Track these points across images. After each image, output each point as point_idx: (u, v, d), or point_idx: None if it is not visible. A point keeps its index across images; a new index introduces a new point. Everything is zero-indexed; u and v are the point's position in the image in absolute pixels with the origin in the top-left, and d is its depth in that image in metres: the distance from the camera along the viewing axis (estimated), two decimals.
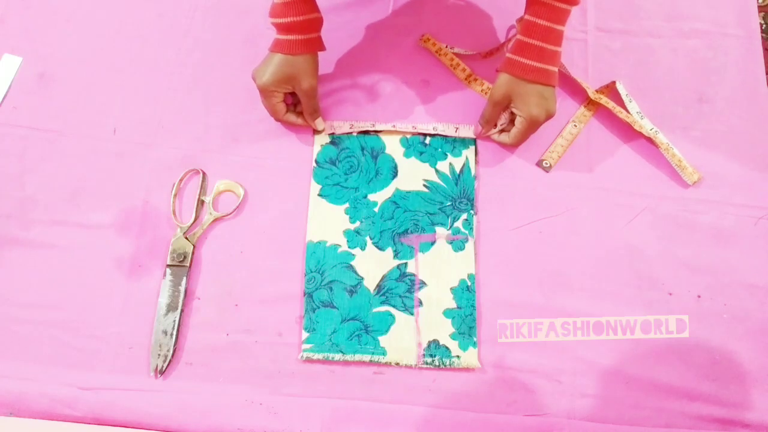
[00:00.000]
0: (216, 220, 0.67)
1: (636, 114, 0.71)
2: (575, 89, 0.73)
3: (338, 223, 0.67)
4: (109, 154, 0.70)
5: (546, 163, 0.70)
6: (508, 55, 0.64)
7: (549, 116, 0.65)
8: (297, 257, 0.66)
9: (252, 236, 0.67)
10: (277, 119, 0.70)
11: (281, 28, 0.63)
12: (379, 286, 0.65)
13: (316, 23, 0.65)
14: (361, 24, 0.77)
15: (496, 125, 0.68)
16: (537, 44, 0.62)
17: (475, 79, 0.74)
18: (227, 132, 0.71)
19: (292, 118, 0.69)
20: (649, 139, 0.70)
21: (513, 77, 0.63)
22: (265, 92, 0.66)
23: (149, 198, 0.68)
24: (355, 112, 0.72)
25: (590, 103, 0.73)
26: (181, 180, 0.69)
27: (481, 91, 0.73)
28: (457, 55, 0.75)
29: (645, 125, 0.71)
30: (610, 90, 0.73)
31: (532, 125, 0.65)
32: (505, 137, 0.68)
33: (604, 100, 0.72)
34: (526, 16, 0.62)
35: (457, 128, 0.71)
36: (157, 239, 0.66)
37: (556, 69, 0.64)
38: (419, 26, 0.77)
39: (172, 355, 0.61)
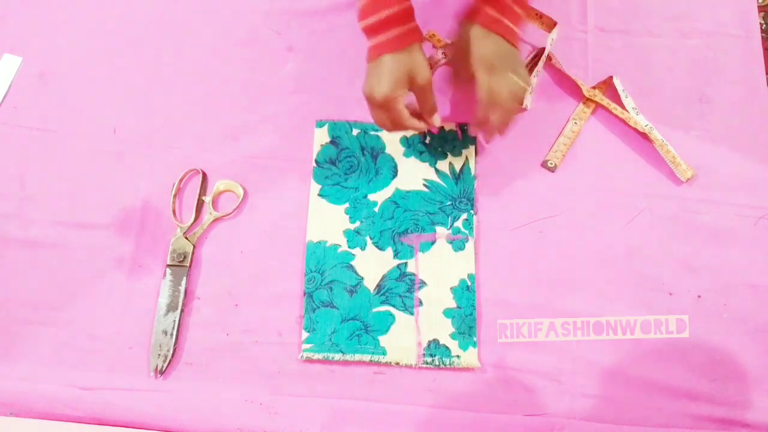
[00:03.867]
0: (216, 220, 0.67)
1: (632, 110, 0.71)
2: (573, 87, 0.73)
3: (338, 223, 0.67)
4: (109, 154, 0.70)
5: (551, 163, 0.70)
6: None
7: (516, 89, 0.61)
8: (297, 257, 0.66)
9: (252, 236, 0.67)
10: (401, 128, 0.63)
11: (379, 26, 0.58)
12: (379, 286, 0.65)
13: (412, 11, 0.60)
14: None
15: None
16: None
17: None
18: (227, 132, 0.71)
19: (415, 122, 0.62)
20: (644, 135, 0.70)
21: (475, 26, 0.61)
22: (388, 102, 0.59)
23: (149, 198, 0.68)
24: (357, 111, 0.72)
25: (588, 100, 0.73)
26: (181, 180, 0.69)
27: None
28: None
29: (640, 121, 0.71)
30: (608, 85, 0.74)
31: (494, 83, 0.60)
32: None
33: (599, 98, 0.72)
34: None
35: (458, 127, 0.71)
36: (157, 239, 0.66)
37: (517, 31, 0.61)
38: (424, 26, 0.76)
39: (172, 355, 0.61)
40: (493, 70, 0.60)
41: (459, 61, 0.64)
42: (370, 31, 0.59)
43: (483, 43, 0.60)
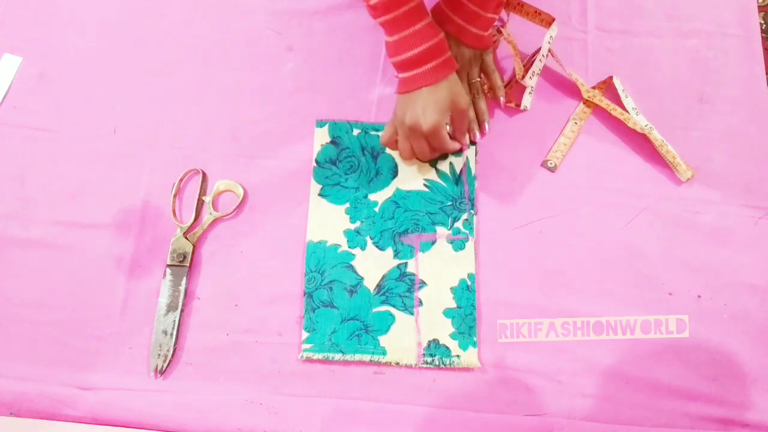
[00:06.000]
0: (216, 220, 0.67)
1: (632, 110, 0.71)
2: (573, 87, 0.73)
3: (338, 223, 0.67)
4: (109, 154, 0.70)
5: (551, 163, 0.70)
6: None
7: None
8: (297, 257, 0.66)
9: (252, 236, 0.67)
10: (442, 152, 0.66)
11: (416, 60, 0.60)
12: (379, 286, 0.65)
13: (446, 43, 0.62)
14: (362, 23, 0.76)
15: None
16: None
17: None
18: (227, 132, 0.71)
19: (454, 145, 0.66)
20: (644, 136, 0.70)
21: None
22: (436, 130, 0.62)
23: (149, 198, 0.68)
24: (357, 111, 0.72)
25: (588, 100, 0.73)
26: (181, 180, 0.69)
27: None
28: None
29: (640, 121, 0.71)
30: (607, 85, 0.74)
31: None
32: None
33: (598, 98, 0.72)
34: None
35: None
36: (157, 239, 0.66)
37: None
38: None
39: (172, 355, 0.61)
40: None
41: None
42: (406, 65, 0.61)
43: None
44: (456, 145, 0.66)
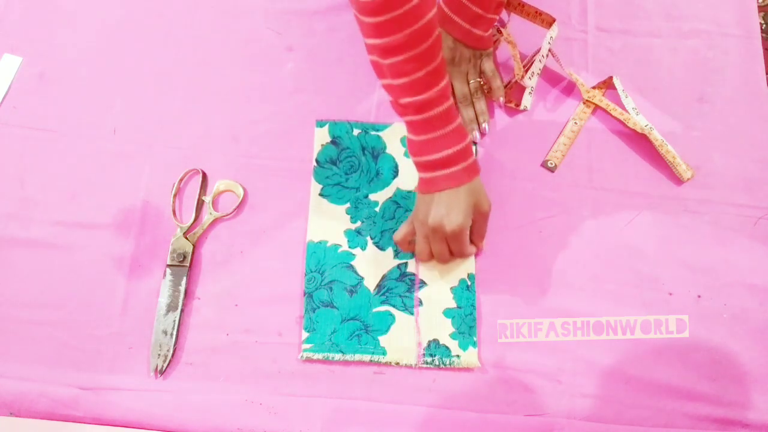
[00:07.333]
0: (216, 220, 0.67)
1: (632, 110, 0.71)
2: (573, 87, 0.73)
3: (339, 223, 0.67)
4: (109, 154, 0.70)
5: (551, 163, 0.70)
6: None
7: None
8: (297, 257, 0.66)
9: (252, 236, 0.67)
10: (461, 256, 0.63)
11: (443, 162, 0.58)
12: (379, 286, 0.65)
13: (471, 147, 0.60)
14: None
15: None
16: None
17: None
18: (227, 132, 0.71)
19: (471, 249, 0.63)
20: (644, 136, 0.70)
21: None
22: (461, 233, 0.59)
23: (149, 198, 0.68)
24: (357, 111, 0.72)
25: (588, 100, 0.73)
26: (181, 180, 0.69)
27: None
28: None
29: (640, 121, 0.71)
30: (607, 85, 0.74)
31: None
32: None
33: (598, 98, 0.72)
34: None
35: None
36: (157, 239, 0.66)
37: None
38: None
39: (172, 355, 0.61)
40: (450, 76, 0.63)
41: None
42: (431, 166, 0.58)
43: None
44: (473, 250, 0.63)
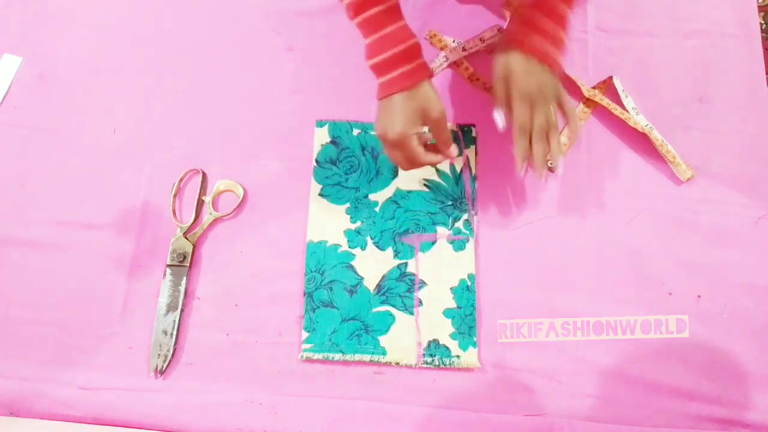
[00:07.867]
0: (216, 220, 0.67)
1: (632, 110, 0.71)
2: (573, 87, 0.73)
3: (339, 223, 0.67)
4: (109, 154, 0.70)
5: (551, 163, 0.69)
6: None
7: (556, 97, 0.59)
8: (297, 257, 0.66)
9: (252, 236, 0.67)
10: (418, 164, 0.60)
11: (386, 65, 0.57)
12: (379, 286, 0.65)
13: (418, 48, 0.59)
14: None
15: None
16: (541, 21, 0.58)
17: (477, 79, 0.74)
18: (227, 132, 0.71)
19: (431, 157, 0.60)
20: (644, 136, 0.70)
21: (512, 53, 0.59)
22: (402, 140, 0.57)
23: (149, 198, 0.68)
24: (357, 111, 0.72)
25: (588, 100, 0.73)
26: (181, 180, 0.69)
27: (483, 88, 0.73)
28: (463, 49, 0.74)
29: (640, 121, 0.71)
30: (608, 86, 0.74)
31: (534, 103, 0.59)
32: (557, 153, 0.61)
33: (599, 98, 0.72)
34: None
35: (458, 127, 0.71)
36: (157, 239, 0.66)
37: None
38: (424, 27, 0.76)
39: (172, 355, 0.61)
40: (533, 104, 0.59)
41: (495, 82, 0.61)
42: (378, 69, 0.58)
43: (524, 76, 0.58)
44: (435, 158, 0.60)
